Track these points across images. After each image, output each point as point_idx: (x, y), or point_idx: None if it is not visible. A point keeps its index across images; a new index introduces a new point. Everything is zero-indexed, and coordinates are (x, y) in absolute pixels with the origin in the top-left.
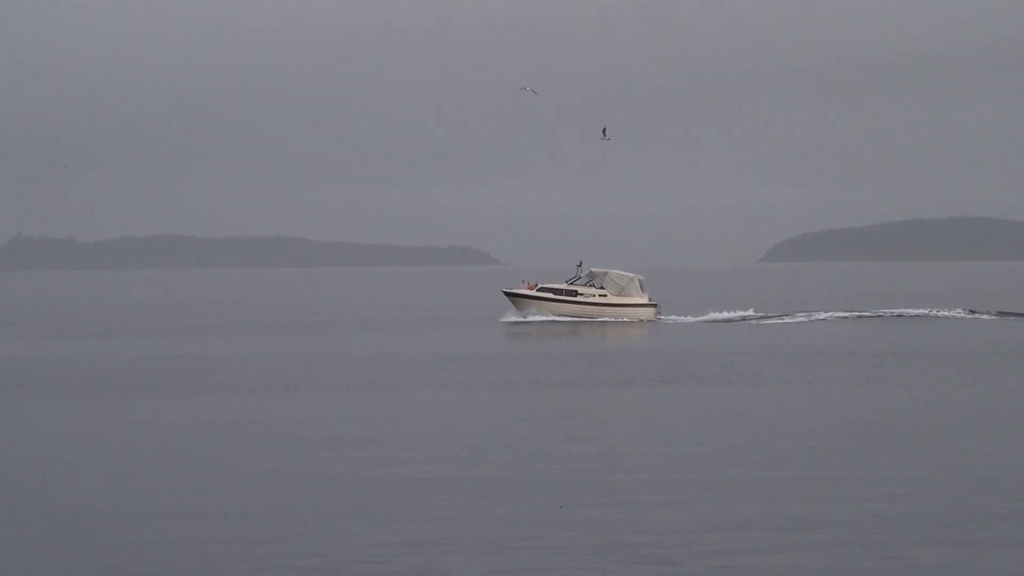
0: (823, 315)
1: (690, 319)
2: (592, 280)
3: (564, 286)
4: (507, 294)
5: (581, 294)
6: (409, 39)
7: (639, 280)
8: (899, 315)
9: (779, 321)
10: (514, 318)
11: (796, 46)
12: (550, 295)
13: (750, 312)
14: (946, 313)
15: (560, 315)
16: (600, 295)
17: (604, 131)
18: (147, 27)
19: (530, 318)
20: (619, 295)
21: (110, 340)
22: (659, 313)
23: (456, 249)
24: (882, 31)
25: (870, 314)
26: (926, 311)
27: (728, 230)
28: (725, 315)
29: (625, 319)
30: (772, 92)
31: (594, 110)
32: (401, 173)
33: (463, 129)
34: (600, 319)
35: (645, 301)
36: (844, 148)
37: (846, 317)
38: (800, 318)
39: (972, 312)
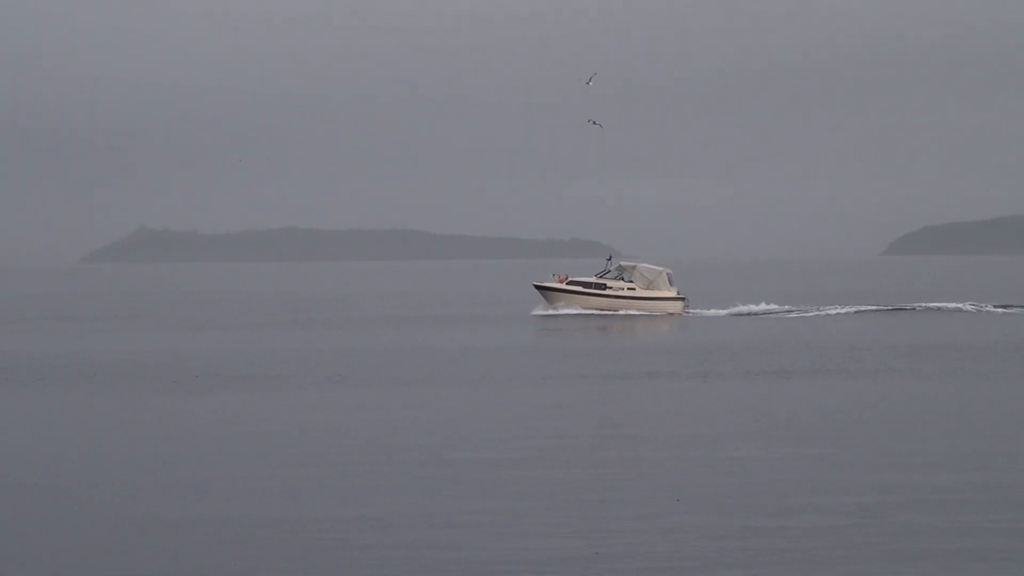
0: (841, 309)
1: (718, 312)
2: (621, 274)
3: (593, 279)
4: (537, 287)
5: (610, 287)
6: (522, 31)
7: (668, 274)
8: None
9: (804, 314)
10: (544, 311)
11: (919, 37)
12: (579, 288)
13: (774, 306)
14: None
15: (589, 308)
16: (628, 288)
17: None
18: (267, 23)
19: (560, 311)
20: (647, 288)
21: (238, 332)
22: (687, 307)
23: (579, 242)
24: (1009, 23)
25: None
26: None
27: (849, 223)
28: (752, 308)
29: (653, 312)
30: (896, 84)
31: (717, 102)
32: (526, 166)
33: (579, 123)
34: (628, 312)
35: (673, 295)
36: (971, 141)
37: (873, 311)
38: (830, 311)
39: None
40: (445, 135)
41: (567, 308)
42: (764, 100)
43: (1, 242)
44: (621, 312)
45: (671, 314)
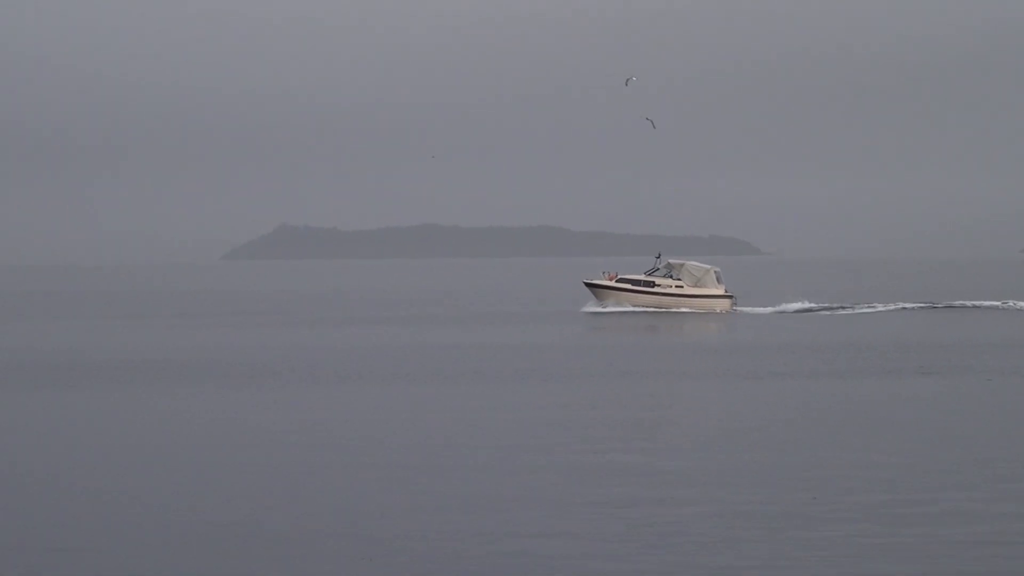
0: (882, 307)
1: (766, 310)
2: (670, 271)
3: (642, 277)
4: (587, 285)
5: (658, 285)
6: (654, 27)
7: (716, 272)
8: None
9: (846, 312)
10: (594, 308)
11: None
12: (628, 286)
13: (824, 303)
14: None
15: (637, 306)
16: (676, 286)
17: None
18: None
19: (609, 309)
20: (695, 286)
21: (378, 327)
22: (735, 304)
23: (718, 239)
24: None
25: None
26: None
27: (988, 221)
28: (797, 306)
29: (701, 310)
30: None
31: (858, 95)
32: (664, 162)
33: (724, 118)
34: (676, 310)
35: (721, 292)
36: None
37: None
38: (865, 309)
39: None
40: (584, 130)
41: (616, 306)
42: (905, 96)
43: (147, 239)
44: (670, 310)
45: (719, 312)
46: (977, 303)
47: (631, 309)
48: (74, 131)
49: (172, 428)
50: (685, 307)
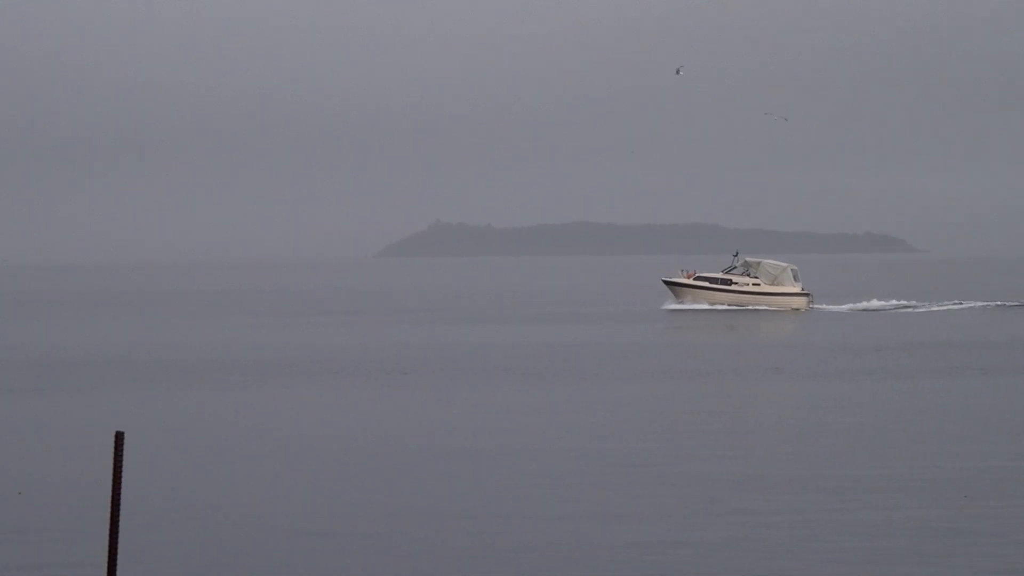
0: (954, 305)
1: (843, 308)
2: (747, 269)
3: (719, 275)
4: (666, 283)
5: (735, 283)
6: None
7: (792, 270)
8: None
9: (928, 309)
10: (673, 306)
11: None
12: (706, 284)
13: (893, 301)
14: None
15: (715, 304)
16: (753, 284)
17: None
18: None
19: (687, 306)
20: (772, 284)
21: (500, 326)
22: (811, 302)
23: (872, 236)
24: None
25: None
26: None
27: None
28: (876, 304)
29: (778, 308)
30: None
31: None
32: (820, 159)
33: (874, 115)
34: (752, 308)
35: (797, 290)
36: None
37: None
38: (949, 306)
39: None
40: (734, 127)
41: (694, 303)
42: None
43: (305, 236)
44: (747, 307)
45: (796, 309)
46: None
47: (708, 307)
48: (233, 131)
49: (326, 426)
50: (761, 305)
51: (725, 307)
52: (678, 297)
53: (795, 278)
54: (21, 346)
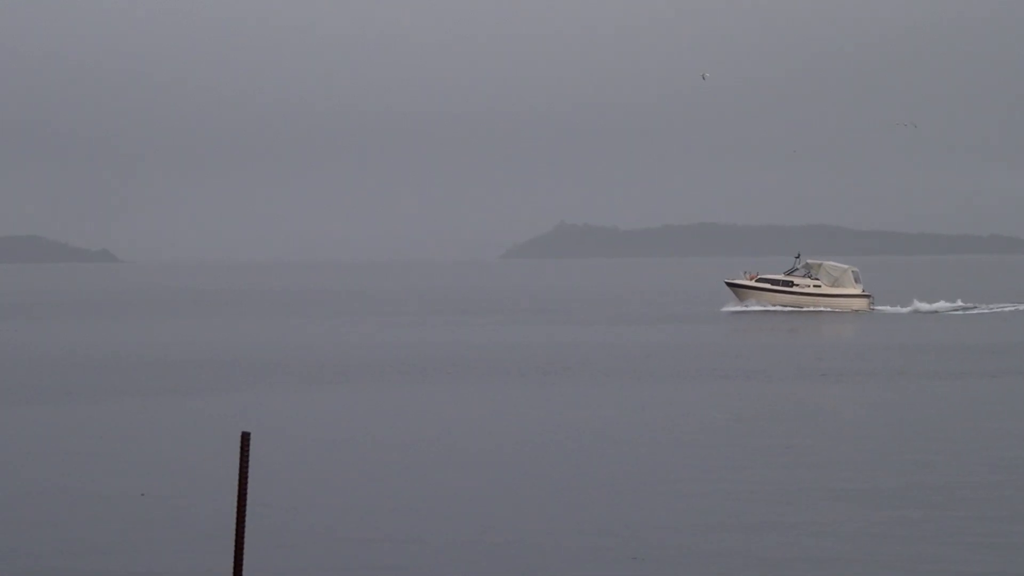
0: (1010, 307)
1: (901, 309)
2: (809, 271)
3: (781, 277)
4: (729, 284)
5: (796, 285)
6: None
7: (853, 272)
8: None
9: (988, 311)
10: (735, 308)
11: None
12: (768, 286)
13: (959, 303)
14: None
15: (776, 305)
16: (815, 286)
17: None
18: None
19: (750, 308)
20: (833, 286)
21: (605, 328)
22: (872, 304)
23: (998, 238)
24: None
25: None
26: None
27: None
28: (933, 306)
29: (839, 309)
30: None
31: None
32: (948, 161)
33: (1005, 116)
34: (813, 309)
35: (858, 292)
36: None
37: None
38: (1008, 307)
39: None
40: (855, 126)
41: (756, 305)
42: None
43: (433, 238)
44: (808, 308)
45: (856, 311)
46: None
47: (770, 308)
48: (365, 136)
49: (449, 425)
50: (822, 306)
51: (786, 308)
52: (741, 299)
53: (856, 280)
54: (148, 345)
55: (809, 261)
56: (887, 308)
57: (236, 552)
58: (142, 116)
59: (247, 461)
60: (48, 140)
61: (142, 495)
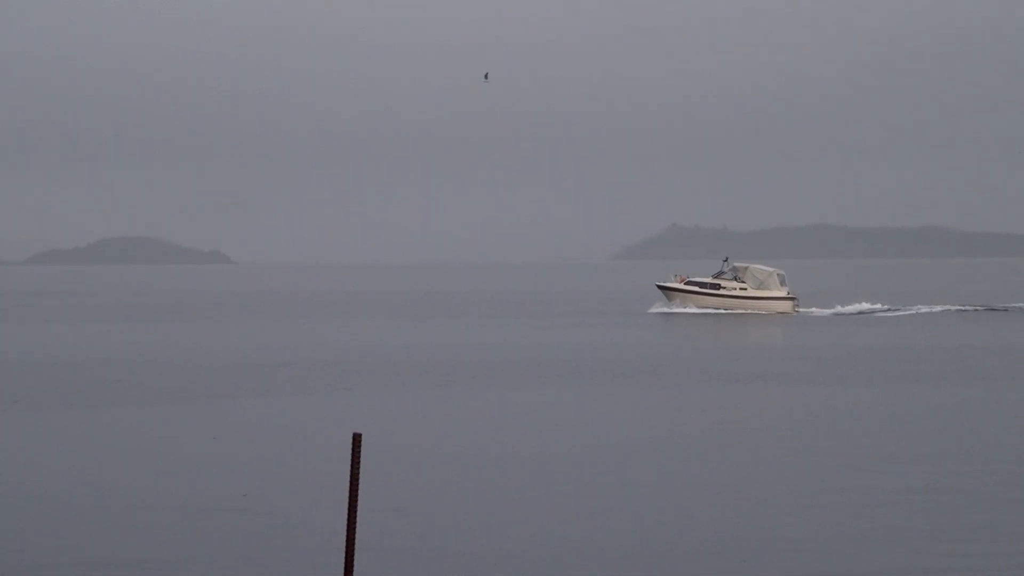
0: (926, 309)
1: (826, 311)
2: (736, 274)
3: (708, 280)
4: (659, 287)
5: (723, 287)
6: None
7: (779, 275)
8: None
9: (897, 314)
10: (663, 309)
11: None
12: (695, 288)
13: (877, 305)
14: None
15: (703, 307)
16: (740, 288)
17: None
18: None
19: (676, 309)
20: (758, 288)
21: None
22: (797, 306)
23: None
24: None
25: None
26: None
27: None
28: (852, 308)
29: (764, 312)
30: None
31: None
32: None
33: None
34: (739, 311)
35: (783, 295)
36: None
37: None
38: (919, 310)
39: None
40: (969, 127)
41: (682, 307)
42: None
43: (544, 240)
44: (733, 311)
45: (782, 313)
46: None
47: (696, 310)
48: (477, 139)
49: (559, 428)
50: (748, 309)
51: (713, 311)
52: (670, 300)
53: (782, 283)
54: (264, 347)
55: (736, 264)
56: (813, 310)
57: (347, 554)
58: (252, 120)
59: (358, 462)
60: (162, 143)
61: (244, 496)
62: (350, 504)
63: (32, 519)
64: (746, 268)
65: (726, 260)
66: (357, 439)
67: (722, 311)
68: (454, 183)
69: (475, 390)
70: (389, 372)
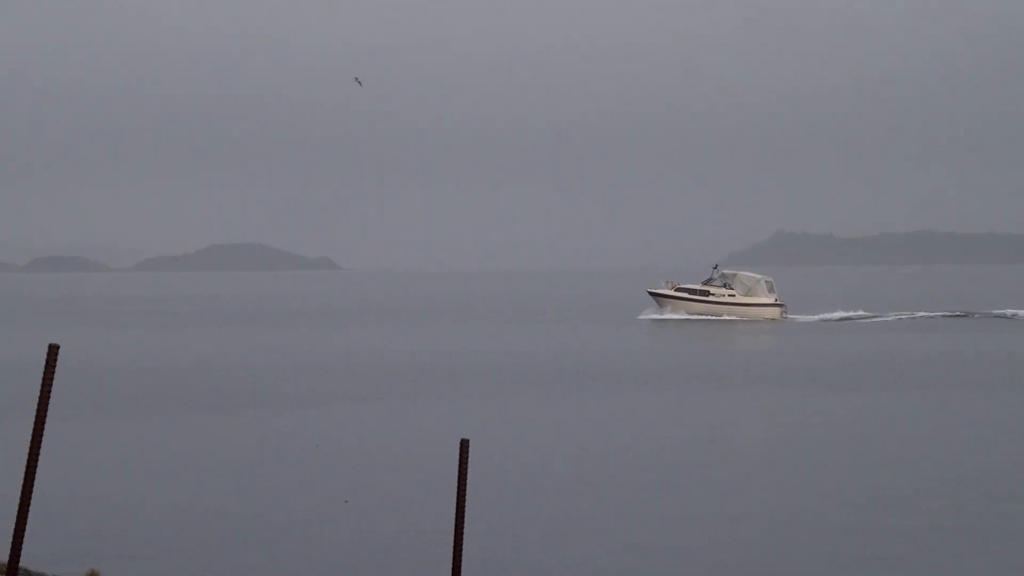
0: (903, 315)
1: (812, 318)
2: (725, 281)
3: (698, 287)
4: (651, 293)
5: (712, 294)
6: None
7: (767, 281)
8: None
9: (882, 319)
10: (653, 315)
11: None
12: (685, 295)
13: (860, 312)
14: None
15: (693, 313)
16: (729, 295)
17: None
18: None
19: (666, 316)
20: (746, 295)
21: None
22: (785, 313)
23: None
24: None
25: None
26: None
27: None
28: (839, 314)
29: (752, 318)
30: None
31: None
32: None
33: None
34: (727, 317)
35: (771, 301)
36: None
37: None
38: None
39: None
40: None
41: (674, 313)
42: None
43: (651, 246)
44: (722, 317)
45: (769, 319)
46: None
47: (687, 316)
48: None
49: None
50: (736, 315)
51: (703, 317)
52: (661, 307)
53: (770, 289)
54: (371, 350)
55: (725, 271)
56: (799, 317)
57: (455, 559)
58: (357, 131)
59: (466, 468)
60: (271, 153)
61: (346, 502)
62: (457, 511)
63: (140, 528)
64: (735, 275)
65: (716, 267)
66: (464, 445)
67: (711, 317)
68: (571, 189)
69: (576, 394)
70: (494, 377)
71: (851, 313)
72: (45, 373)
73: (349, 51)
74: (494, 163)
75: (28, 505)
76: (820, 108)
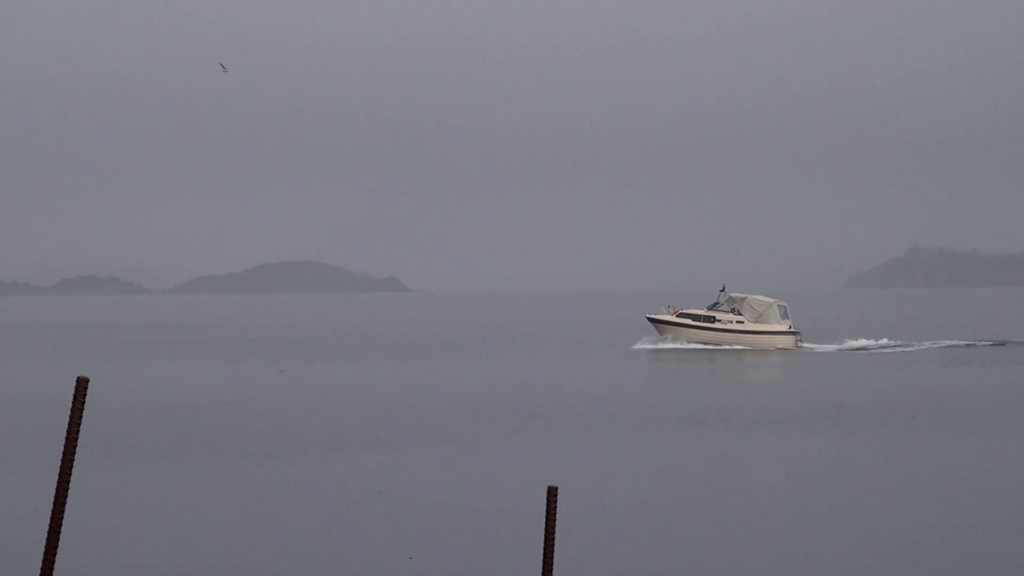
0: (934, 344)
1: (831, 347)
2: (732, 305)
3: (702, 312)
4: (650, 319)
5: (719, 320)
6: None
7: (780, 306)
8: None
9: (910, 349)
10: (649, 345)
11: None
12: (688, 321)
13: (884, 341)
14: None
15: (695, 342)
16: (737, 321)
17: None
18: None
19: (666, 344)
20: (757, 321)
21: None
22: (800, 341)
23: None
24: None
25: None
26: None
27: None
28: (862, 343)
29: (763, 347)
30: None
31: None
32: None
33: None
34: (736, 347)
35: (785, 328)
36: None
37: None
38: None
39: None
40: None
41: (674, 342)
42: None
43: (772, 265)
44: (731, 347)
45: (782, 349)
46: None
47: (688, 346)
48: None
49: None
50: (746, 344)
51: (706, 346)
52: (661, 334)
53: (784, 315)
54: (450, 385)
55: (733, 294)
56: (815, 346)
57: None
58: (424, 150)
59: (554, 517)
60: (338, 171)
61: (410, 559)
62: (544, 566)
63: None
64: (744, 299)
65: (722, 289)
66: (552, 493)
67: (717, 346)
68: (659, 205)
69: (665, 436)
70: (575, 416)
71: (871, 342)
72: (73, 409)
73: (416, 60)
74: (582, 181)
75: (53, 562)
76: (958, 113)
